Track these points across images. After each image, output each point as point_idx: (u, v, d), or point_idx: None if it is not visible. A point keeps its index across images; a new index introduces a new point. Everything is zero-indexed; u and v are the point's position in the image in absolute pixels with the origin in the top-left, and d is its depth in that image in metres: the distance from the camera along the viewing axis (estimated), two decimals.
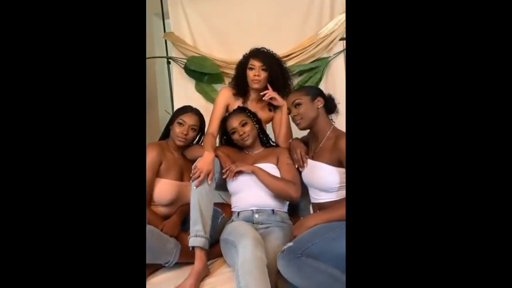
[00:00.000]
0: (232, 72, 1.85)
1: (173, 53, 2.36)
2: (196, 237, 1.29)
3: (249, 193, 1.46)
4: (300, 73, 2.20)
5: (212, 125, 1.68)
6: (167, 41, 2.39)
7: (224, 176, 1.46)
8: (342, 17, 2.11)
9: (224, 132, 1.66)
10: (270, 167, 1.49)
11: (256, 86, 1.67)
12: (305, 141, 1.56)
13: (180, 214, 1.52)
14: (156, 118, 2.58)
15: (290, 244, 1.15)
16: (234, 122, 1.56)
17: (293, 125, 1.52)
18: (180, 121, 1.57)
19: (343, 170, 1.30)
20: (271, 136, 1.75)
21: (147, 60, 2.15)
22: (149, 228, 1.32)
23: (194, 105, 1.68)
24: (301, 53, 2.15)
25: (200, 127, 1.63)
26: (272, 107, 1.75)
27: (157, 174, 1.51)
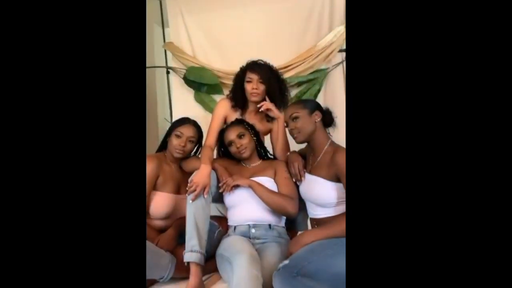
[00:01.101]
0: (231, 82, 1.85)
1: (172, 62, 2.37)
2: (192, 252, 1.28)
3: (246, 207, 1.45)
4: (299, 84, 2.20)
5: (209, 138, 1.67)
6: (167, 51, 2.40)
7: (220, 190, 1.45)
8: (341, 28, 2.11)
9: (222, 144, 1.65)
10: (267, 181, 1.48)
11: (255, 99, 1.66)
12: (302, 154, 1.55)
13: (176, 227, 1.50)
14: (156, 127, 2.57)
15: (286, 262, 1.14)
16: (232, 135, 1.55)
17: (290, 137, 1.50)
18: (178, 133, 1.56)
19: (341, 185, 1.29)
20: (269, 148, 1.74)
21: (147, 69, 2.15)
22: None
23: (193, 115, 1.68)
24: (300, 65, 2.15)
25: (198, 139, 1.63)
26: (269, 118, 1.74)
27: (154, 187, 1.50)
